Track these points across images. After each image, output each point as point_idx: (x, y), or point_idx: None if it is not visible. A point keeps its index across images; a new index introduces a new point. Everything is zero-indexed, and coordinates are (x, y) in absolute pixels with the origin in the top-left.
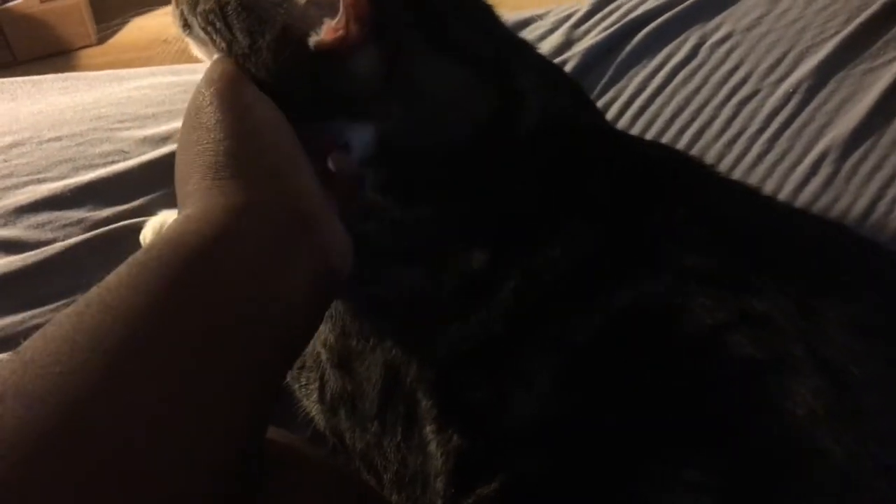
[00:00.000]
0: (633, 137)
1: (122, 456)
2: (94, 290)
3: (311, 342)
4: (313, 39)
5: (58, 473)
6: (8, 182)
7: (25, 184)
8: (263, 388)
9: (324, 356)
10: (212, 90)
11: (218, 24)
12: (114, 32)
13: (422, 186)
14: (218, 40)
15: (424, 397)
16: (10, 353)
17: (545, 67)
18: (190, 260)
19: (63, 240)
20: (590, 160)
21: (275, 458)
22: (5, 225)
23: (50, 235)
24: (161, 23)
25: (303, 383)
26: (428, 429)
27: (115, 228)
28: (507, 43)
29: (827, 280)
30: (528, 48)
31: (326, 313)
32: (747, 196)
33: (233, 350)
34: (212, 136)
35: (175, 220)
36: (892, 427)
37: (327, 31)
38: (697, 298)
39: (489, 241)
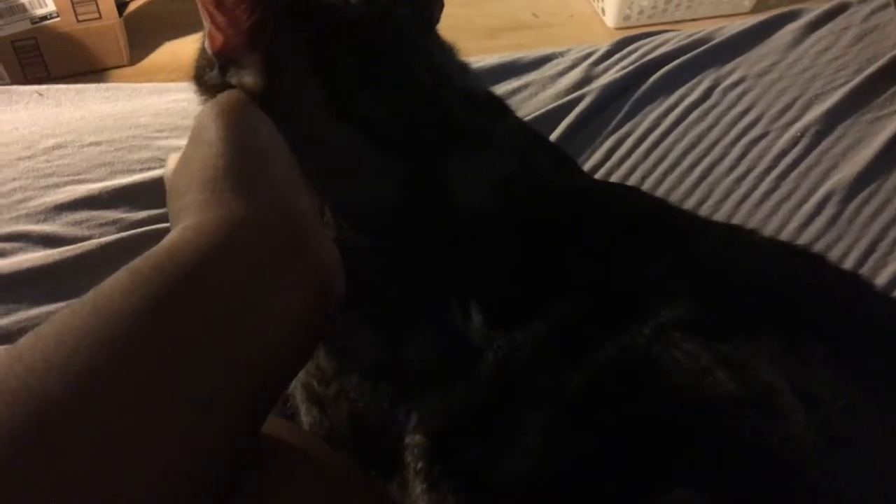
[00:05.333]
0: (609, 190)
1: (93, 454)
2: (91, 293)
3: None
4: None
5: (30, 469)
6: (49, 181)
7: (66, 183)
8: (252, 403)
9: (298, 389)
10: (216, 110)
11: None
12: (146, 54)
13: (369, 245)
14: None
15: (410, 458)
16: (6, 346)
17: (510, 135)
18: (185, 269)
19: (99, 237)
20: (564, 226)
21: (269, 453)
22: (45, 220)
23: (86, 233)
24: (191, 48)
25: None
26: (419, 489)
27: (148, 230)
28: (441, 119)
29: (810, 317)
30: (481, 118)
31: None
32: (728, 239)
33: (221, 362)
34: (213, 151)
35: (173, 231)
36: (878, 460)
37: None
38: (679, 347)
39: (453, 318)
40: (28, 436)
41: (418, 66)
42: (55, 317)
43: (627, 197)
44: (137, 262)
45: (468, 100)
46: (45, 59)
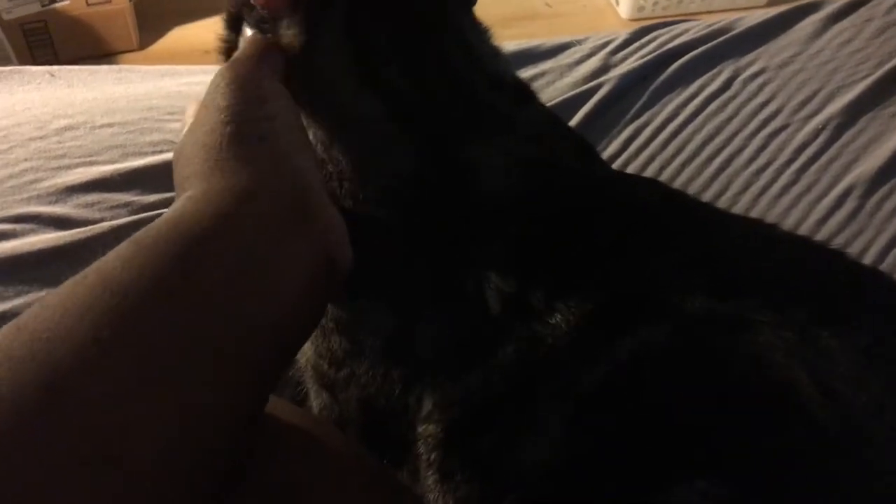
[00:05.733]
0: (629, 181)
1: (98, 421)
2: (95, 264)
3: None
4: None
5: (36, 435)
6: (61, 162)
7: (77, 165)
8: (257, 375)
9: (308, 372)
10: (233, 73)
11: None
12: (155, 39)
13: (385, 222)
14: None
15: (423, 447)
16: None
17: (534, 122)
18: (188, 239)
19: (110, 220)
20: (584, 216)
21: (279, 436)
22: (56, 202)
23: (98, 215)
24: (200, 33)
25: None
26: (431, 479)
27: (160, 213)
28: (464, 99)
29: (829, 309)
30: (506, 102)
31: None
32: (748, 233)
33: (225, 331)
34: (221, 117)
35: (177, 200)
36: None
37: None
38: (698, 341)
39: (469, 304)
40: (33, 403)
41: (450, 45)
42: (59, 288)
43: (647, 188)
44: (140, 234)
45: (495, 83)
46: (55, 42)
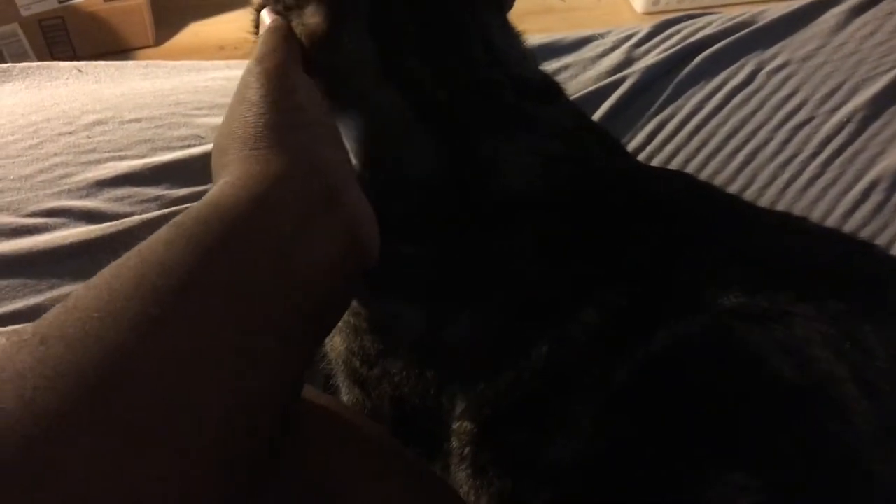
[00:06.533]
0: (659, 175)
1: (154, 399)
2: (136, 248)
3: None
4: None
5: (99, 408)
6: (91, 157)
7: (107, 160)
8: (295, 352)
9: (340, 367)
10: (261, 68)
11: None
12: (171, 35)
13: (409, 218)
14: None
15: (455, 442)
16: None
17: (558, 119)
18: (227, 219)
19: (141, 214)
20: (613, 210)
21: (314, 419)
22: (87, 196)
23: (128, 209)
24: (217, 29)
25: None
26: (463, 474)
27: (190, 206)
28: (486, 98)
29: (865, 303)
30: (531, 100)
31: (339, 325)
32: (779, 224)
33: (265, 307)
34: (255, 109)
35: (214, 186)
36: None
37: None
38: (734, 335)
39: (499, 302)
40: (93, 380)
41: (475, 44)
42: (103, 271)
43: (677, 182)
44: (180, 217)
45: (520, 84)
46: (72, 38)
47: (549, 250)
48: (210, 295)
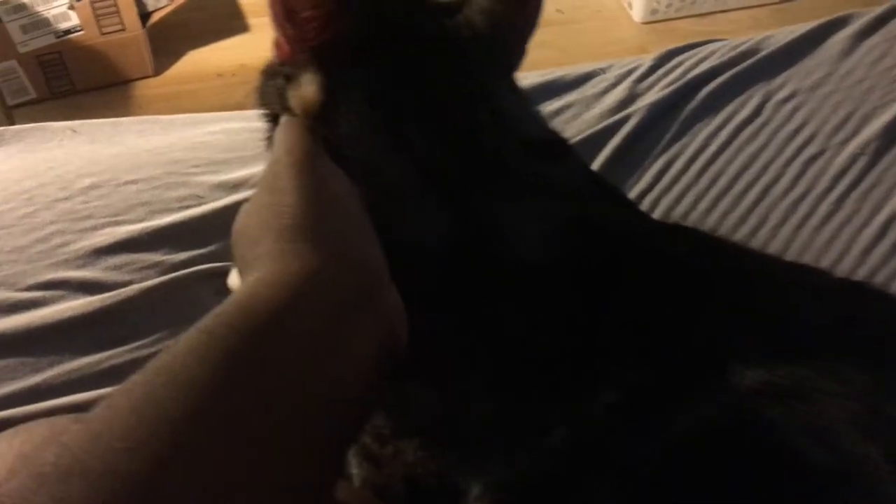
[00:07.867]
0: (666, 233)
1: None
2: (163, 358)
3: None
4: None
5: None
6: (87, 223)
7: (104, 226)
8: (329, 460)
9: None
10: (290, 158)
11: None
12: (170, 64)
13: (420, 291)
14: None
15: None
16: (75, 415)
17: (567, 181)
18: (259, 324)
19: (140, 282)
20: (625, 279)
21: None
22: (84, 266)
23: (127, 277)
24: (214, 56)
25: None
26: None
27: (190, 272)
28: (492, 163)
29: (890, 373)
30: (538, 163)
31: None
32: (796, 281)
33: (300, 417)
34: (288, 199)
35: (246, 283)
36: None
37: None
38: (759, 416)
39: (513, 381)
40: None
41: (481, 109)
42: (127, 386)
43: (690, 241)
44: (209, 322)
45: (526, 147)
46: (70, 72)
47: (561, 323)
48: (242, 414)
